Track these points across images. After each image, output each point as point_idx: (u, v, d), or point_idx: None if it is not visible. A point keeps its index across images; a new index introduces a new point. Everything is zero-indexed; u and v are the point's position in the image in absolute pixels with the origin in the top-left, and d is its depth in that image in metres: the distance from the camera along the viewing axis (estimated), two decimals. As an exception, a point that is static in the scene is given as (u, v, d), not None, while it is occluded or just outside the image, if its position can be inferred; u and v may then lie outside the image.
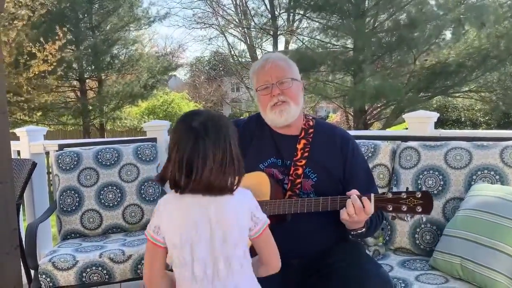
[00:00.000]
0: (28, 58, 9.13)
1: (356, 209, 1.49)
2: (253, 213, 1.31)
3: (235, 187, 1.27)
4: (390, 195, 1.49)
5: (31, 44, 8.99)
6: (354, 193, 1.52)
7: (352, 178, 1.72)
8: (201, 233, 1.25)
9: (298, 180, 1.69)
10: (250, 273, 1.32)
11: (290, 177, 1.70)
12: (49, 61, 9.28)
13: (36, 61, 9.13)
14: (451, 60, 9.35)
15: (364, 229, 1.60)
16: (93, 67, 12.39)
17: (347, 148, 1.76)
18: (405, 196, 1.47)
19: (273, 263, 1.37)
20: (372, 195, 1.51)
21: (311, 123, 1.79)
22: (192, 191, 1.24)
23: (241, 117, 2.17)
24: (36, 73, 9.38)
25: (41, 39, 9.19)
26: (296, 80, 1.74)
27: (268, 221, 1.34)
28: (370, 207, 1.49)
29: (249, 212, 1.30)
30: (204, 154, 1.21)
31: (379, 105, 10.92)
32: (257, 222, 1.31)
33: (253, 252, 1.37)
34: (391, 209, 1.48)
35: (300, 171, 1.70)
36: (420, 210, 1.45)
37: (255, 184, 1.63)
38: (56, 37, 9.38)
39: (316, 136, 1.76)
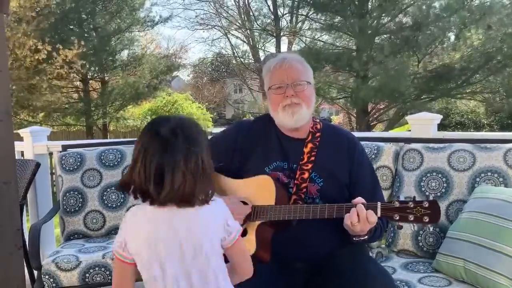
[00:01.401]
0: (41, 60, 9.16)
1: (360, 219, 1.47)
2: (226, 222, 1.24)
3: (209, 198, 1.21)
4: (397, 204, 1.46)
5: (41, 46, 9.01)
6: (360, 201, 1.50)
7: (358, 183, 1.71)
8: (170, 248, 1.18)
9: (304, 185, 1.67)
10: (226, 283, 1.26)
11: (295, 181, 1.68)
12: (67, 66, 9.36)
13: (53, 62, 9.19)
14: (455, 62, 9.34)
15: (366, 237, 1.57)
16: (96, 68, 12.43)
17: (354, 152, 1.75)
18: (412, 206, 1.44)
19: (247, 271, 1.32)
20: (379, 204, 1.48)
21: (318, 126, 1.77)
22: (162, 202, 1.17)
23: (246, 118, 2.14)
24: (55, 75, 9.47)
25: (50, 46, 9.24)
26: (310, 84, 1.73)
27: (241, 229, 1.30)
28: (374, 219, 1.47)
29: (223, 222, 1.24)
30: (175, 163, 1.14)
31: (381, 107, 10.91)
32: (230, 231, 1.24)
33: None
34: (397, 218, 1.45)
35: (306, 175, 1.68)
36: (427, 220, 1.42)
37: (261, 188, 1.62)
38: (71, 47, 9.44)
39: (323, 140, 1.74)
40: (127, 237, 1.22)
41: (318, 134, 1.75)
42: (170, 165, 1.14)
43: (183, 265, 1.19)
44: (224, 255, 1.27)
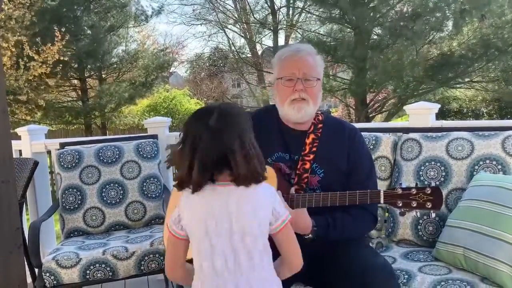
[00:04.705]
0: (27, 60, 9.13)
1: None
2: (274, 208, 1.27)
3: (261, 176, 1.25)
4: (400, 191, 1.47)
5: (29, 46, 8.97)
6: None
7: (354, 170, 1.72)
8: (220, 225, 1.23)
9: (305, 175, 1.68)
10: (270, 267, 1.30)
11: (297, 171, 1.69)
12: (48, 62, 9.29)
13: (35, 63, 9.15)
14: (454, 51, 9.31)
15: (310, 235, 1.58)
16: (92, 66, 12.38)
17: (354, 139, 1.77)
18: (415, 192, 1.46)
19: (295, 261, 1.32)
20: (382, 191, 1.50)
21: (320, 118, 1.79)
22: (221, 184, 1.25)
23: (249, 111, 2.13)
24: (36, 75, 9.39)
25: (38, 39, 9.18)
26: (319, 80, 1.73)
27: (290, 217, 1.30)
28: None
29: (271, 206, 1.27)
30: (232, 151, 1.21)
31: (380, 98, 10.90)
32: (277, 217, 1.27)
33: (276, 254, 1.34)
34: (400, 204, 1.47)
35: (307, 166, 1.69)
36: (429, 206, 1.44)
37: None
38: (56, 39, 9.38)
39: (324, 131, 1.75)
40: (181, 213, 1.28)
41: (320, 125, 1.76)
42: (229, 153, 1.20)
43: (231, 242, 1.24)
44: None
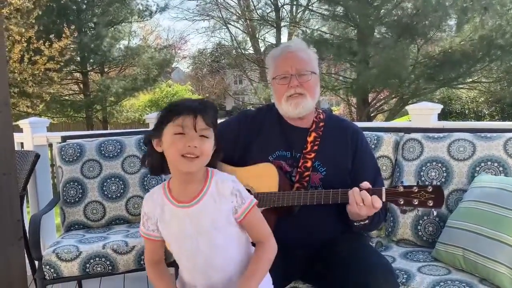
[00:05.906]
0: (32, 54, 9.15)
1: (365, 203, 1.47)
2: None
3: None
4: (401, 189, 1.47)
5: (36, 40, 8.99)
6: (366, 186, 1.50)
7: (360, 171, 1.72)
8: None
9: (307, 173, 1.68)
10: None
11: (298, 169, 1.69)
12: (55, 59, 9.32)
13: (41, 57, 9.16)
14: (455, 49, 9.28)
15: (367, 221, 1.59)
16: (94, 60, 12.38)
17: (357, 140, 1.77)
18: (416, 190, 1.45)
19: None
20: (383, 188, 1.50)
21: (322, 116, 1.79)
22: None
23: (251, 108, 2.16)
24: (42, 70, 9.42)
25: (51, 36, 9.20)
26: (315, 74, 1.73)
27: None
28: (379, 204, 1.47)
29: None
30: None
31: (382, 97, 10.89)
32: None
33: None
34: (402, 202, 1.47)
35: (309, 164, 1.69)
36: (431, 204, 1.44)
37: (263, 175, 1.63)
38: (63, 35, 9.40)
39: (326, 130, 1.75)
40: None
41: (321, 124, 1.76)
42: None
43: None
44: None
